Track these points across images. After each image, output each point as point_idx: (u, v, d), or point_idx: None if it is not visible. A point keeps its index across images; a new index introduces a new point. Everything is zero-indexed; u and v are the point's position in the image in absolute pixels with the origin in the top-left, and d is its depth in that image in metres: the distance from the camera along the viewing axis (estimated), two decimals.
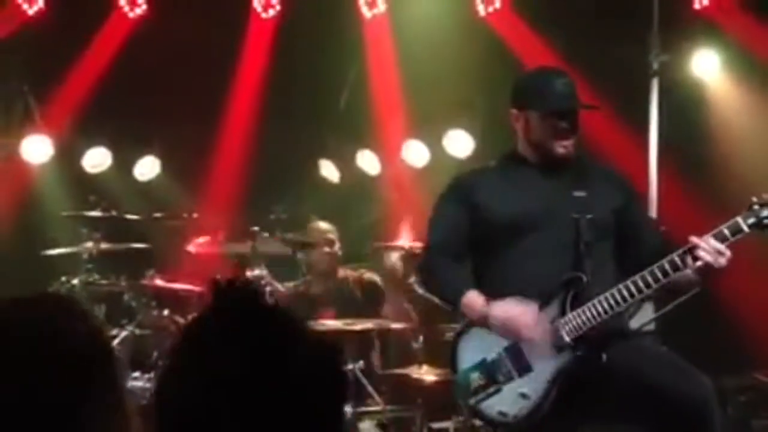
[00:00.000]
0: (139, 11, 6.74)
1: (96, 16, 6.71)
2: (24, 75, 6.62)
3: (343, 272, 5.82)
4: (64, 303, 1.60)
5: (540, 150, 3.44)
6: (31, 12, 6.60)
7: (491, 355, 3.34)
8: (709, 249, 3.13)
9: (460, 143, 6.86)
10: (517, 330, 3.28)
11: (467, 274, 3.47)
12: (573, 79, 3.49)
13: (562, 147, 3.38)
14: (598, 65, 6.04)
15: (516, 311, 3.28)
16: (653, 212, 5.21)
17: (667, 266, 3.20)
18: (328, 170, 7.16)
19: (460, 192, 3.50)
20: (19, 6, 6.60)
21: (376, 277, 5.80)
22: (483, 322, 3.32)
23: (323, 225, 5.89)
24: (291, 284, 5.77)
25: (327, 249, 5.72)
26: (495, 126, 3.94)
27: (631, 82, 5.72)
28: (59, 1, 6.58)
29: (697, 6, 6.37)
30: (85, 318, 1.57)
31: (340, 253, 5.82)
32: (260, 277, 5.29)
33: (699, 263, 3.15)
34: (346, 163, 7.14)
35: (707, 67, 6.43)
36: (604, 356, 3.26)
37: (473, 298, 3.34)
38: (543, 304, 3.30)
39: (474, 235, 3.45)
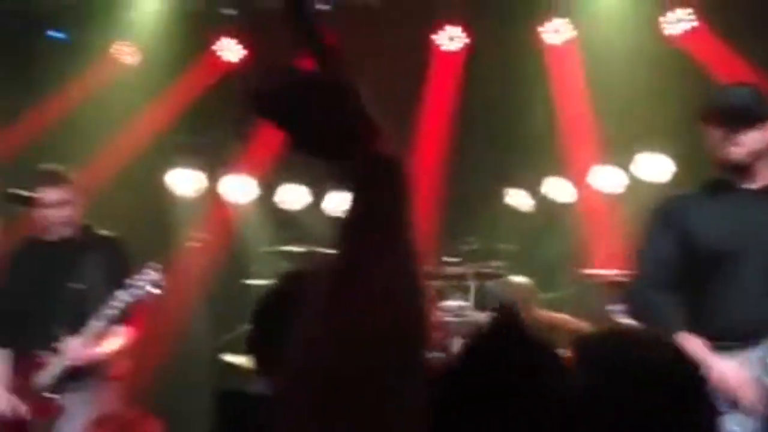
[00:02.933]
0: None
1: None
2: (233, 119, 7.02)
3: (545, 315, 5.59)
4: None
5: (721, 164, 3.26)
6: (234, 59, 7.01)
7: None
8: None
9: (657, 167, 6.63)
10: (733, 396, 3.06)
11: (680, 310, 3.28)
12: (759, 92, 3.29)
13: (731, 153, 3.19)
14: None
15: (736, 379, 3.07)
16: None
17: None
18: (517, 199, 7.11)
19: (669, 219, 3.34)
20: (219, 57, 7.02)
21: (584, 326, 5.38)
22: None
23: (519, 281, 5.70)
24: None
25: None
26: (696, 149, 3.78)
27: None
28: (260, 45, 6.95)
29: None
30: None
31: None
32: (461, 308, 5.31)
33: None
34: (532, 191, 7.09)
35: None
36: None
37: (689, 341, 3.13)
38: (750, 345, 3.09)
39: (683, 264, 3.29)
